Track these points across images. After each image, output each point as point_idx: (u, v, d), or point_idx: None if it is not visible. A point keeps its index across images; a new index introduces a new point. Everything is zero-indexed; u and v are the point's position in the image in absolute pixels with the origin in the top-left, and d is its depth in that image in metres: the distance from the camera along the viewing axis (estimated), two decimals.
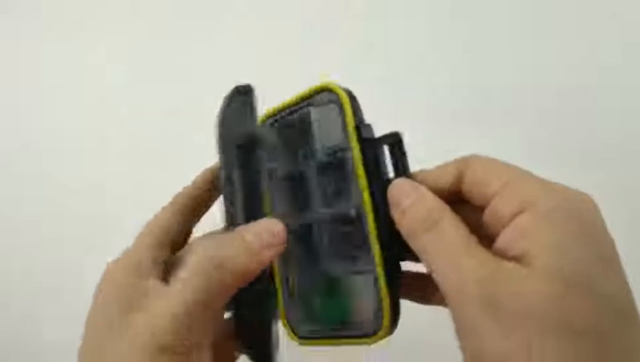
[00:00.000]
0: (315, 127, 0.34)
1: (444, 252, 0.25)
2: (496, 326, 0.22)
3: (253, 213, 0.32)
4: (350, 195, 0.32)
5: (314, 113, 0.34)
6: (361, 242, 0.32)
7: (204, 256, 0.29)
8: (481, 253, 0.24)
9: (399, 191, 0.29)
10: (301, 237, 0.36)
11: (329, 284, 0.34)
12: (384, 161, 0.31)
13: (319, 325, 0.34)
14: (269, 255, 0.29)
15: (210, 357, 0.28)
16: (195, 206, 0.34)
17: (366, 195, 0.31)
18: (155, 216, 0.33)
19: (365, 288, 0.31)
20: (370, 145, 0.31)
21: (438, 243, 0.26)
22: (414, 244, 0.27)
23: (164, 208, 0.34)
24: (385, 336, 0.30)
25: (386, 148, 0.31)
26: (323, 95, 0.33)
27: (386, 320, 0.30)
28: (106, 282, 0.29)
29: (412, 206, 0.28)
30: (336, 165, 0.33)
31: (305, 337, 0.35)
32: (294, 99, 0.35)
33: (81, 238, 0.50)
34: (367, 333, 0.31)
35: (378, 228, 0.30)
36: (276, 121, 0.36)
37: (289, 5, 0.63)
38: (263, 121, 0.37)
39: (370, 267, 0.31)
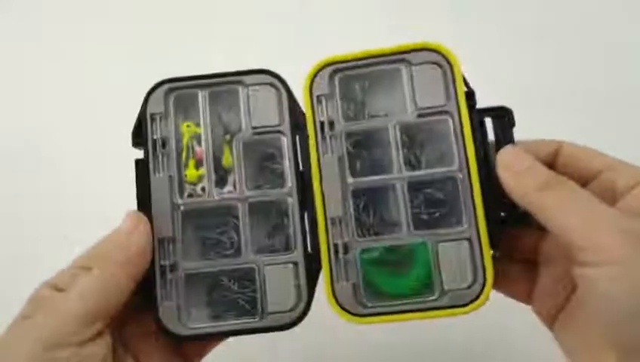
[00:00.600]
0: (409, 84, 0.32)
1: (578, 205, 0.26)
2: None
3: None
4: (448, 158, 0.31)
5: (409, 70, 0.32)
6: (452, 207, 0.31)
7: (87, 257, 0.29)
8: (612, 208, 0.26)
9: (514, 155, 0.29)
10: (372, 203, 0.32)
11: (402, 255, 0.31)
12: (486, 131, 0.31)
13: (387, 300, 0.30)
14: (133, 241, 0.30)
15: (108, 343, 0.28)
16: None
17: (472, 158, 0.30)
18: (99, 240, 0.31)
19: (456, 255, 0.30)
20: (476, 112, 0.31)
21: (569, 198, 0.27)
22: (532, 203, 0.27)
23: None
24: (481, 305, 0.29)
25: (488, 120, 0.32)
26: (423, 54, 0.32)
27: (488, 288, 0.29)
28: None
29: (530, 168, 0.28)
30: (429, 127, 0.32)
31: (367, 315, 0.30)
32: (378, 50, 0.32)
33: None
34: (457, 304, 0.29)
35: (483, 191, 0.30)
36: (348, 68, 0.32)
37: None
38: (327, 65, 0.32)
39: (465, 232, 0.30)
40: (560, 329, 0.30)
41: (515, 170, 0.28)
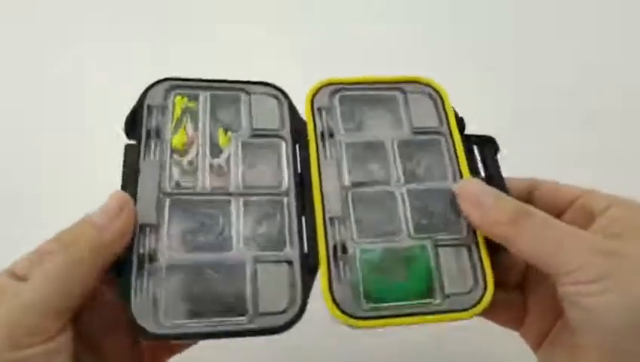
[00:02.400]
0: (404, 107, 0.35)
1: (550, 232, 0.27)
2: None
3: None
4: (443, 174, 0.33)
5: (405, 97, 0.35)
6: (449, 216, 0.32)
7: (53, 240, 0.27)
8: (585, 231, 0.28)
9: (478, 189, 0.30)
10: (370, 206, 0.32)
11: (403, 257, 0.30)
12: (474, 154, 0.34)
13: (388, 303, 0.29)
14: (113, 226, 0.27)
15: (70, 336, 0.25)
16: None
17: (466, 174, 0.32)
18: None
19: (456, 260, 0.30)
20: (466, 138, 0.34)
21: (540, 226, 0.27)
22: (503, 236, 0.28)
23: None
24: (483, 310, 0.29)
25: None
26: (413, 85, 0.35)
27: (489, 292, 0.29)
28: None
29: (497, 202, 0.29)
30: (424, 144, 0.34)
31: (367, 318, 0.28)
32: (375, 78, 0.35)
33: None
34: (459, 308, 0.29)
35: None
36: (347, 90, 0.35)
37: None
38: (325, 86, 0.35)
39: (464, 239, 0.31)
40: (546, 352, 0.30)
41: (480, 205, 0.29)
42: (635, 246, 0.25)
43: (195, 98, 0.33)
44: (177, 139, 0.31)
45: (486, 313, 0.29)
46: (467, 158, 0.33)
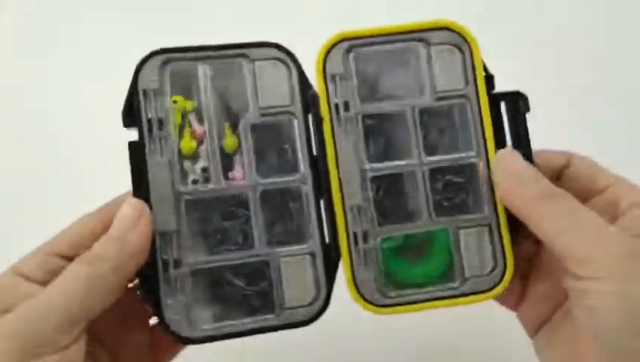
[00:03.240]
0: (426, 66, 0.31)
1: (576, 219, 0.26)
2: None
3: None
4: (466, 144, 0.30)
5: (428, 51, 0.31)
6: (472, 193, 0.31)
7: (77, 259, 0.26)
8: (611, 225, 0.26)
9: (517, 160, 0.28)
10: (391, 190, 0.30)
11: (424, 242, 0.30)
12: (502, 117, 0.31)
13: (410, 289, 0.30)
14: (134, 236, 0.26)
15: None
16: None
17: (491, 145, 0.30)
18: (74, 222, 0.29)
19: (477, 242, 0.30)
20: (494, 97, 0.31)
21: (568, 211, 0.26)
22: (529, 213, 0.27)
23: (83, 216, 0.29)
24: (502, 291, 0.30)
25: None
26: (442, 34, 0.31)
27: (509, 273, 0.29)
28: None
29: (532, 177, 0.28)
30: (447, 111, 0.31)
31: (391, 305, 0.29)
32: (396, 27, 0.30)
33: None
34: (479, 290, 0.29)
35: None
36: (364, 45, 0.30)
37: None
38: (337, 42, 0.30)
39: (485, 218, 0.30)
40: (542, 339, 0.30)
41: (516, 176, 0.28)
42: None
43: (188, 98, 0.30)
44: (185, 144, 0.29)
45: None
46: (494, 125, 0.30)
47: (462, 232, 0.30)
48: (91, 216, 0.29)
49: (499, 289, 0.29)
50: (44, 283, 0.26)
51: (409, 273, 0.30)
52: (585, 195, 0.29)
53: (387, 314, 0.29)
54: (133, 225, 0.26)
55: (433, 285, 0.30)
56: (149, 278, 0.28)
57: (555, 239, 0.26)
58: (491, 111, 0.30)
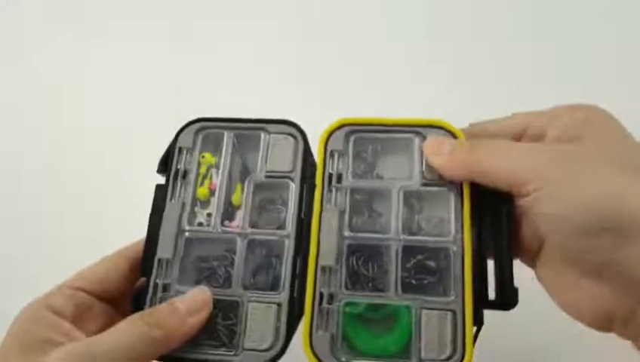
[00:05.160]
0: (418, 155, 0.34)
1: (502, 150, 0.29)
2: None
3: None
4: (444, 229, 0.32)
5: (422, 142, 0.34)
6: (442, 277, 0.31)
7: (137, 315, 0.29)
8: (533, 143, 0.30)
9: (439, 142, 0.32)
10: (365, 259, 0.33)
11: (387, 315, 0.31)
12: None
13: (364, 358, 0.30)
14: (193, 321, 0.30)
15: None
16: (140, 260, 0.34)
17: (468, 236, 0.31)
18: (101, 258, 0.34)
19: (439, 325, 0.30)
20: (475, 190, 0.32)
21: (492, 149, 0.29)
22: (469, 170, 0.30)
23: (111, 254, 0.34)
24: None
25: None
26: (436, 130, 0.34)
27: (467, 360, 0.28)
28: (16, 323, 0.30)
29: (452, 148, 0.31)
30: (431, 195, 0.33)
31: None
32: (395, 120, 0.34)
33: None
34: None
35: (474, 267, 0.30)
36: (364, 131, 0.35)
37: None
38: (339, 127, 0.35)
39: (451, 303, 0.30)
40: (538, 269, 0.30)
41: (443, 153, 0.31)
42: (590, 144, 0.27)
43: (214, 155, 0.36)
44: (201, 191, 0.35)
45: None
46: (472, 215, 0.31)
47: (424, 312, 0.30)
48: (117, 255, 0.34)
49: None
50: (74, 318, 0.30)
51: (368, 343, 0.31)
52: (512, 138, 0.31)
53: None
54: (197, 311, 0.30)
55: (388, 359, 0.30)
56: (141, 295, 0.32)
57: (493, 177, 0.29)
58: (473, 203, 0.31)
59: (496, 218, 0.30)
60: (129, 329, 0.28)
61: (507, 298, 0.29)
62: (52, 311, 0.30)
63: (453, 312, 0.30)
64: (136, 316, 0.29)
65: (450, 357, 0.29)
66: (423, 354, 0.29)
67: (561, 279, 0.28)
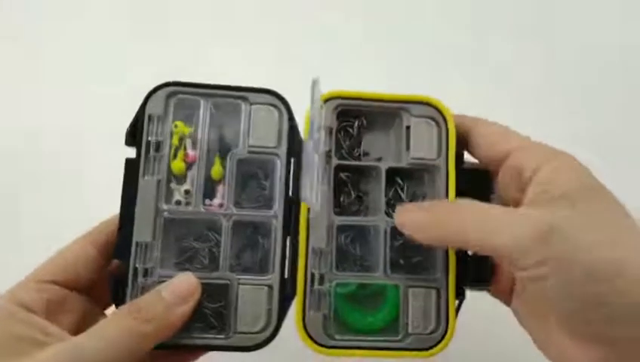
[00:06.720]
0: (405, 133, 0.34)
1: (490, 221, 0.26)
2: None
3: None
4: None
5: (409, 120, 0.34)
6: (428, 256, 0.33)
7: (124, 309, 0.28)
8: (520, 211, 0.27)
9: (414, 214, 0.30)
10: (354, 240, 0.33)
11: (375, 293, 0.32)
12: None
13: (355, 335, 0.32)
14: (182, 310, 0.29)
15: None
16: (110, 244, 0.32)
17: None
18: (65, 246, 0.31)
19: (424, 302, 0.32)
20: (462, 172, 0.33)
21: (477, 215, 0.27)
22: (441, 237, 0.28)
23: (75, 240, 0.32)
24: (440, 351, 0.31)
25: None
26: (422, 107, 0.34)
27: (449, 336, 0.31)
28: None
29: (427, 216, 0.29)
30: (418, 175, 0.34)
31: (334, 347, 0.31)
32: (382, 95, 0.34)
33: None
34: (419, 347, 0.31)
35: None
36: (351, 105, 0.34)
37: None
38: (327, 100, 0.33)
39: (435, 281, 0.32)
40: (518, 308, 0.31)
41: (419, 227, 0.29)
42: (572, 212, 0.25)
43: (188, 124, 0.33)
44: (176, 164, 0.32)
45: None
46: (458, 195, 0.33)
47: (411, 291, 0.32)
48: (82, 241, 0.31)
49: (437, 350, 0.31)
50: (47, 313, 0.28)
51: (358, 320, 0.32)
52: (494, 162, 0.31)
53: (329, 355, 0.31)
54: (184, 301, 0.29)
55: (378, 334, 0.32)
56: (120, 281, 0.30)
57: (481, 248, 0.27)
58: (458, 183, 0.33)
59: (479, 197, 0.32)
60: (117, 326, 0.27)
61: (483, 274, 0.32)
62: (23, 308, 0.27)
63: (437, 290, 0.32)
64: (123, 311, 0.28)
65: (434, 331, 0.32)
66: (409, 329, 0.32)
67: (550, 336, 0.28)
